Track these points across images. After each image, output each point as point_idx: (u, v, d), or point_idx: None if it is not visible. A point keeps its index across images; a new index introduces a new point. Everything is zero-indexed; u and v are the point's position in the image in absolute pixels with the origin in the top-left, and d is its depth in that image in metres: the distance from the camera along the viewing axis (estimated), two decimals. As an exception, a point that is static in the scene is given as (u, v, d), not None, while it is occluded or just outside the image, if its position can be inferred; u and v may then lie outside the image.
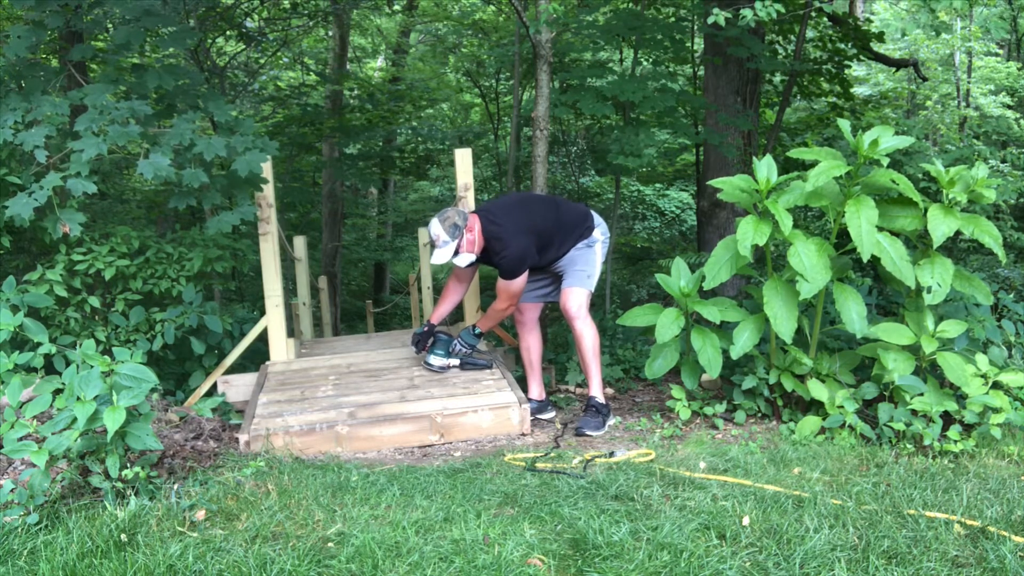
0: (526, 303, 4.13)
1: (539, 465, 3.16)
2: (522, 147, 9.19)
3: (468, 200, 4.79)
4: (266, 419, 3.62)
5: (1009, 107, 10.98)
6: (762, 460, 3.07)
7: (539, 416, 4.03)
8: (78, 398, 2.56)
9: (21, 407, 2.85)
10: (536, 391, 4.15)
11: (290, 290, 6.78)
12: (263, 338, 4.58)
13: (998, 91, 11.22)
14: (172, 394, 4.40)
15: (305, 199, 11.43)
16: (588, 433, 3.69)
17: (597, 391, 3.90)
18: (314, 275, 8.10)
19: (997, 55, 11.88)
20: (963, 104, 11.17)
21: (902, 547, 2.23)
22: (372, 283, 14.26)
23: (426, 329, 4.21)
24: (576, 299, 3.91)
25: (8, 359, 3.38)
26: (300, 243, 6.64)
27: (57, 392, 2.88)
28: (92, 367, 2.70)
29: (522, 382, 4.25)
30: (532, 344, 4.18)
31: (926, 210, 3.49)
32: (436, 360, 4.13)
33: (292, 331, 5.74)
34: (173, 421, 3.56)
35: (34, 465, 2.60)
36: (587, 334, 3.90)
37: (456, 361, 4.16)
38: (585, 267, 3.98)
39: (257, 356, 4.83)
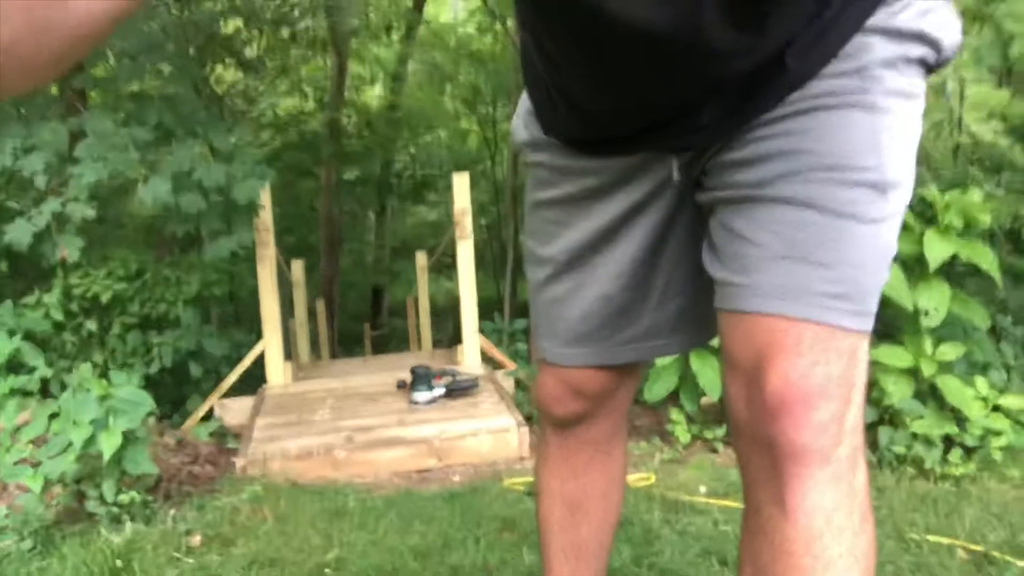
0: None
1: (538, 490, 3.13)
2: (519, 173, 9.23)
3: (465, 224, 4.80)
4: (263, 443, 3.59)
5: (1001, 133, 11.09)
6: (762, 484, 3.05)
7: None
8: (74, 422, 2.55)
9: (17, 431, 2.84)
10: None
11: (287, 313, 6.78)
12: (260, 361, 4.57)
13: (990, 118, 11.34)
14: (169, 418, 4.38)
15: (303, 223, 11.47)
16: None
17: None
18: (312, 298, 8.10)
19: (988, 83, 12.01)
20: (956, 131, 11.28)
21: (905, 572, 2.21)
22: (370, 306, 14.23)
23: None
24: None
25: (4, 383, 3.37)
26: (298, 267, 6.66)
27: (53, 416, 2.87)
28: (88, 391, 2.69)
29: None
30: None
31: (922, 234, 3.51)
32: (421, 396, 4.08)
33: (289, 354, 5.72)
34: (170, 445, 3.54)
35: (29, 490, 2.58)
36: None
37: (442, 391, 4.12)
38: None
39: (254, 380, 4.81)
